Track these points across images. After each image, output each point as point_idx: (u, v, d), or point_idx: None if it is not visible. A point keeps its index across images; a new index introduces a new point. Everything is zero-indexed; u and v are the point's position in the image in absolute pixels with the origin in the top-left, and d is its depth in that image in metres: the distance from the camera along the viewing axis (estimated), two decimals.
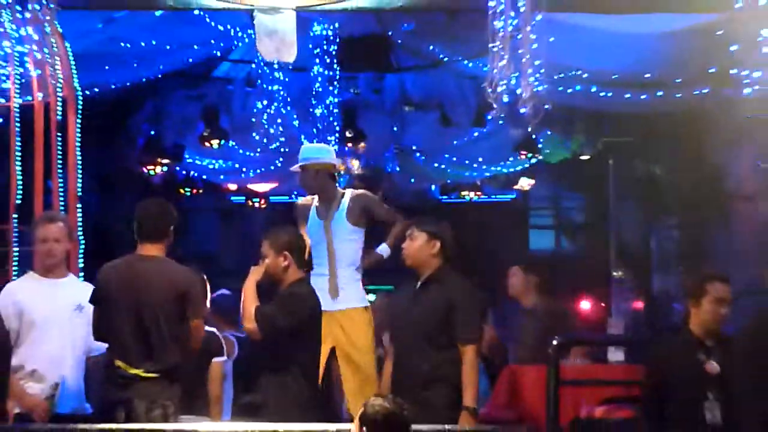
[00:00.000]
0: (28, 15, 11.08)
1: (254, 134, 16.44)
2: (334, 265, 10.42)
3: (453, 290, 10.18)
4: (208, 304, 10.94)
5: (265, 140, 16.33)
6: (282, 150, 16.87)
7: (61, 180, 12.59)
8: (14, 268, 11.84)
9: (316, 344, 10.18)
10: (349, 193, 10.49)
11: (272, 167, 18.28)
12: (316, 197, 10.56)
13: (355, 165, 10.76)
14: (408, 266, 10.34)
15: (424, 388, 10.09)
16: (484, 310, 12.03)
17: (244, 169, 19.14)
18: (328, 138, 16.18)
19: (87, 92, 13.29)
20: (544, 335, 11.02)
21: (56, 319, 9.83)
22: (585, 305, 17.68)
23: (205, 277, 10.92)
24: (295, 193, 15.78)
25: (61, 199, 12.43)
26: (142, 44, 14.40)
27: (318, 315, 10.16)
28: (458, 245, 10.62)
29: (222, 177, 20.11)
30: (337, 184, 10.62)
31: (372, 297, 11.63)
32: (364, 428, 7.52)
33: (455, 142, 18.35)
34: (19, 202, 12.44)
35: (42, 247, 10.07)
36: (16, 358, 9.48)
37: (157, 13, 12.76)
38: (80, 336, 9.93)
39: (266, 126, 15.99)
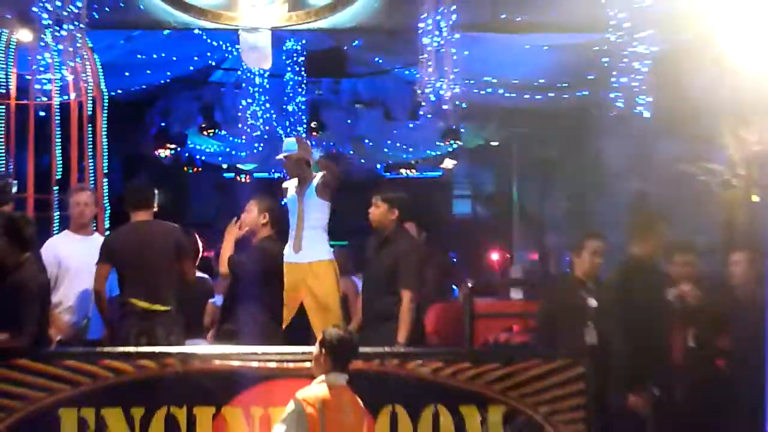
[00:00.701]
0: (64, 33, 10.98)
1: (241, 125, 16.36)
2: (300, 227, 10.16)
3: (401, 248, 10.26)
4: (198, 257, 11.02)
5: (249, 130, 16.26)
6: (263, 137, 16.92)
7: (91, 161, 12.77)
8: (55, 228, 11.96)
9: (278, 287, 10.16)
10: (318, 175, 10.25)
11: (255, 151, 18.17)
12: (296, 179, 10.40)
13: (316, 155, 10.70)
14: (373, 227, 10.49)
15: (380, 323, 10.20)
16: (425, 263, 11.36)
17: (233, 153, 18.92)
18: (298, 129, 16.20)
19: (112, 93, 13.26)
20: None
21: (86, 267, 9.83)
22: (494, 256, 17.83)
23: (200, 236, 11.11)
24: (273, 170, 15.72)
25: (92, 176, 12.46)
26: (154, 56, 14.19)
27: (279, 265, 10.19)
28: (413, 210, 10.86)
29: (218, 159, 20.04)
30: (311, 169, 10.34)
31: None
32: (323, 350, 7.59)
33: (395, 132, 18.24)
34: (59, 177, 12.70)
35: (75, 210, 10.25)
36: (56, 297, 9.70)
37: (165, 32, 12.65)
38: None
39: (250, 119, 15.96)
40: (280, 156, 10.27)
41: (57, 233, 11.26)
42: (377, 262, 10.46)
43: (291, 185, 10.29)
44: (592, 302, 9.93)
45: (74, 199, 10.40)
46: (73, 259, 9.95)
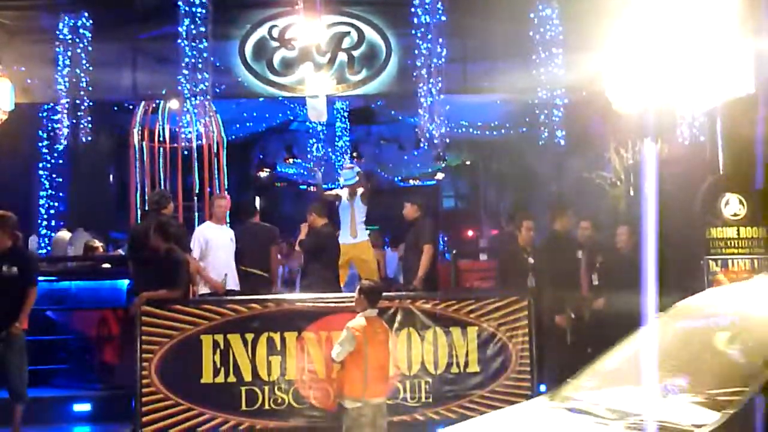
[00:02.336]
0: (198, 101, 11.01)
1: (309, 156, 16.41)
2: (354, 221, 10.43)
3: (420, 225, 10.27)
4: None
5: (314, 159, 16.37)
6: (322, 164, 16.59)
7: (217, 181, 12.88)
8: (195, 222, 11.96)
9: (333, 256, 10.17)
10: (360, 190, 10.63)
11: (319, 171, 18.24)
12: (346, 191, 10.68)
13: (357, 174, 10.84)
14: (405, 217, 10.44)
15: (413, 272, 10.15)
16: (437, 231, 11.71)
17: (305, 173, 19.02)
18: (345, 157, 16.15)
19: (229, 138, 13.39)
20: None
21: (222, 245, 9.77)
22: (469, 233, 17.77)
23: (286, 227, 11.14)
24: (330, 184, 15.75)
25: (218, 190, 12.72)
26: (254, 114, 14.42)
27: (332, 239, 10.21)
28: (425, 208, 10.70)
29: (295, 177, 20.00)
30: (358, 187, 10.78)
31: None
32: (361, 294, 7.53)
33: (405, 158, 18.32)
34: (197, 192, 12.75)
35: (217, 209, 10.04)
36: (203, 263, 9.59)
37: (260, 99, 12.47)
38: (231, 253, 9.84)
39: (315, 152, 16.02)
40: (345, 183, 10.43)
41: (198, 225, 11.10)
42: (412, 235, 10.37)
43: (343, 194, 10.43)
44: (531, 260, 9.77)
45: (217, 202, 10.20)
46: (214, 240, 9.77)
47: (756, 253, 9.17)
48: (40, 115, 11.72)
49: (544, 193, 14.14)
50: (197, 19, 10.54)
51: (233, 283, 9.72)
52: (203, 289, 9.60)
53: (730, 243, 9.16)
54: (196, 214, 12.35)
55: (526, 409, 5.31)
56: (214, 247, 9.72)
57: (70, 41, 10.70)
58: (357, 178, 10.63)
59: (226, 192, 12.70)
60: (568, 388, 5.16)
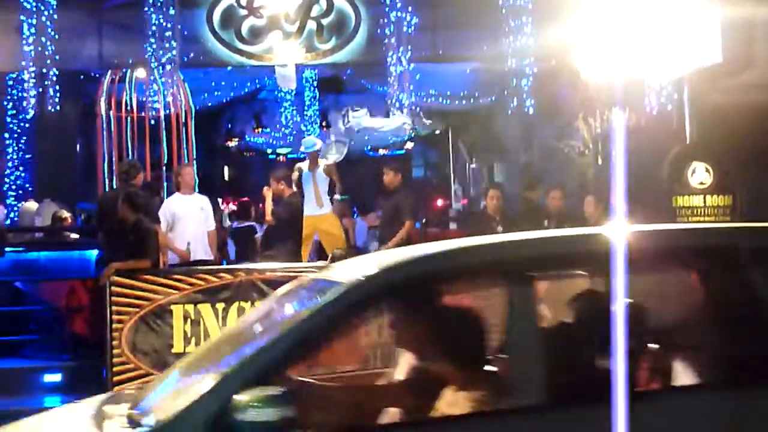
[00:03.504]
0: (168, 68, 10.91)
1: (278, 125, 16.31)
2: (318, 192, 10.12)
3: (402, 197, 10.13)
4: None
5: (283, 128, 16.24)
6: (292, 133, 16.61)
7: (185, 150, 12.76)
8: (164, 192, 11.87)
9: (299, 228, 10.05)
10: (323, 161, 10.32)
11: (287, 141, 18.06)
12: (307, 162, 10.29)
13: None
14: (384, 186, 10.27)
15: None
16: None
17: (274, 142, 18.87)
18: (314, 126, 16.05)
19: (197, 107, 13.29)
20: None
21: (190, 215, 9.71)
22: (439, 202, 17.74)
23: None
24: (300, 153, 15.66)
25: (186, 160, 12.61)
26: (222, 83, 14.30)
27: (300, 210, 10.07)
28: (405, 176, 10.69)
29: (265, 147, 19.85)
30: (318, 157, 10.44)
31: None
32: (332, 263, 7.24)
33: (375, 126, 18.31)
34: (165, 162, 12.64)
35: (185, 178, 9.93)
36: (171, 234, 9.54)
37: (228, 68, 12.45)
38: (202, 221, 9.80)
39: (283, 121, 15.91)
40: (305, 150, 10.17)
41: (167, 196, 10.99)
42: (391, 205, 10.24)
43: (304, 166, 10.17)
44: (500, 228, 9.77)
45: (184, 171, 10.10)
46: (181, 210, 9.70)
47: (722, 221, 9.25)
48: (6, 84, 11.52)
49: (512, 162, 14.17)
50: None
51: (203, 252, 9.65)
52: (172, 260, 9.54)
53: (697, 211, 9.24)
54: (165, 184, 12.22)
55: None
56: (181, 217, 9.65)
57: (34, 10, 10.54)
58: (317, 147, 10.41)
59: (194, 162, 12.57)
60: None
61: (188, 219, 9.67)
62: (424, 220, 11.45)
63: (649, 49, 9.08)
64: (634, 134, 8.86)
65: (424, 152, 21.38)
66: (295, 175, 10.16)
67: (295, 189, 10.07)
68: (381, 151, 19.63)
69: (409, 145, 19.66)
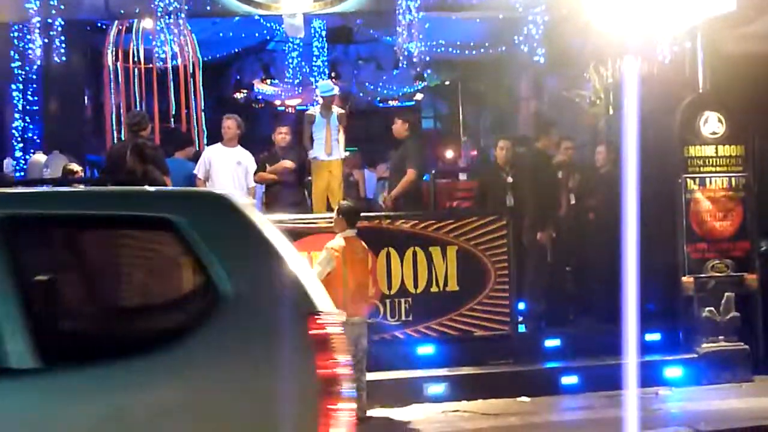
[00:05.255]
0: (173, 20, 10.82)
1: (287, 76, 16.18)
2: (329, 139, 9.87)
3: (409, 146, 9.99)
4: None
5: (291, 79, 16.08)
6: (301, 84, 16.34)
7: (193, 102, 12.71)
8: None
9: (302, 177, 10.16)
10: (336, 108, 10.07)
11: (296, 92, 17.92)
12: (319, 108, 10.13)
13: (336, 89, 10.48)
14: (394, 136, 10.15)
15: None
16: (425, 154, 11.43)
17: (282, 93, 18.70)
18: (323, 77, 15.78)
19: (205, 59, 13.19)
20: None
21: (228, 167, 9.73)
22: (449, 153, 17.58)
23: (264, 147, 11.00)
24: (308, 104, 15.51)
25: (194, 111, 12.60)
26: (230, 34, 14.07)
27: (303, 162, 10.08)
28: (414, 126, 10.52)
29: (274, 98, 19.66)
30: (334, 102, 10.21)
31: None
32: (340, 215, 7.65)
33: (384, 77, 18.15)
34: (173, 113, 12.61)
35: (226, 130, 9.95)
36: (208, 184, 9.52)
37: (236, 18, 12.32)
38: (239, 175, 9.79)
39: (292, 72, 15.76)
40: (322, 93, 10.00)
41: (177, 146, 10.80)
42: (398, 155, 10.16)
43: (316, 112, 10.02)
44: (509, 179, 9.74)
45: (225, 124, 10.03)
46: (218, 161, 9.72)
47: (734, 171, 9.20)
48: (11, 34, 11.42)
49: (523, 112, 14.07)
50: None
51: None
52: None
53: (708, 161, 9.18)
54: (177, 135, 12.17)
55: None
56: (217, 168, 9.65)
57: None
58: (334, 91, 10.26)
59: (202, 113, 12.58)
60: None
61: (223, 171, 9.67)
62: (433, 172, 11.39)
63: None
64: (645, 84, 8.73)
65: (433, 103, 21.23)
66: (307, 119, 10.04)
67: (290, 165, 9.95)
68: (391, 103, 19.50)
69: (419, 96, 19.54)
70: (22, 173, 12.59)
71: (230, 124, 9.97)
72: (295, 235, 8.42)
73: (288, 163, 9.98)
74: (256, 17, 12.12)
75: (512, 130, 13.22)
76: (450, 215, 9.23)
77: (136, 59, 12.66)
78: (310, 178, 10.23)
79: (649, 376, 8.40)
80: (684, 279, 9.07)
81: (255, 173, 10.01)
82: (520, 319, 9.19)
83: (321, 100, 9.99)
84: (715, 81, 9.38)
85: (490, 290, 8.79)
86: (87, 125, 13.49)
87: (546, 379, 8.58)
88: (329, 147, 9.91)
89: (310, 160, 10.01)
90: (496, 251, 8.82)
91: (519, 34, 11.31)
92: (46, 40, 10.58)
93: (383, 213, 9.35)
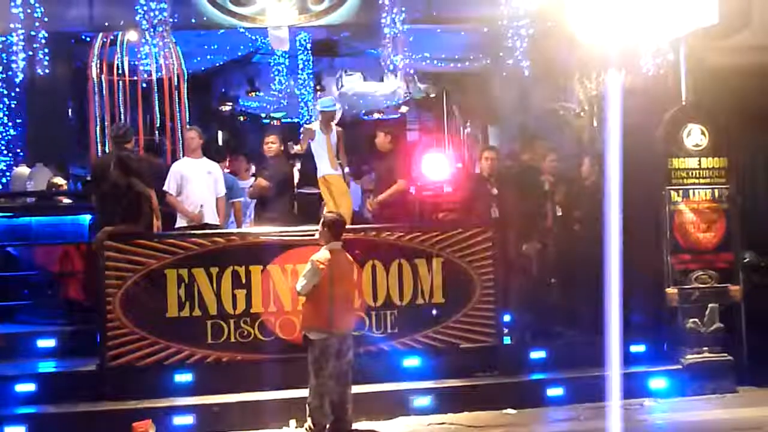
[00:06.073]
0: (157, 32, 10.78)
1: (272, 89, 16.14)
2: (332, 153, 9.73)
3: (393, 159, 10.03)
4: None
5: (276, 92, 16.05)
6: (285, 96, 16.38)
7: (178, 114, 12.69)
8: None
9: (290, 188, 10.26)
10: (335, 127, 9.83)
11: (281, 104, 17.87)
12: (318, 123, 9.93)
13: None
14: (377, 147, 10.18)
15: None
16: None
17: (267, 106, 18.64)
18: (308, 89, 15.85)
19: (189, 71, 13.20)
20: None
21: (197, 177, 9.54)
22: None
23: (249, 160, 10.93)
24: (292, 117, 15.46)
25: (179, 124, 12.57)
26: (215, 46, 14.10)
27: (288, 173, 10.22)
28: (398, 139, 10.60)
29: (258, 111, 19.64)
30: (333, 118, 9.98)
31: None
32: (324, 227, 7.63)
33: (368, 90, 18.19)
34: (158, 126, 12.57)
35: (187, 142, 9.93)
36: (181, 197, 9.38)
37: (220, 31, 12.29)
38: (211, 185, 9.61)
39: (277, 85, 15.73)
40: (323, 109, 9.94)
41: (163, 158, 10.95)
42: (382, 168, 10.17)
43: (315, 127, 9.93)
44: (494, 191, 9.76)
45: (188, 135, 10.03)
46: (189, 173, 9.56)
47: (717, 183, 9.25)
48: None
49: (508, 123, 14.10)
50: None
51: (211, 216, 9.56)
52: (181, 222, 9.47)
53: (692, 173, 9.23)
54: (161, 148, 12.19)
55: None
56: (189, 180, 9.56)
57: None
58: (336, 107, 10.24)
59: (187, 126, 12.50)
60: None
61: (196, 182, 9.58)
62: (418, 183, 11.39)
63: (646, 9, 9.01)
64: (629, 95, 8.79)
65: (419, 116, 21.24)
66: (308, 135, 9.96)
67: (299, 149, 9.84)
68: (376, 115, 19.49)
69: (404, 108, 19.54)
70: (6, 185, 12.56)
71: (193, 135, 9.91)
72: (282, 247, 8.51)
73: (263, 182, 10.06)
74: (241, 30, 12.12)
75: (497, 142, 13.25)
76: (435, 227, 9.21)
77: (120, 72, 12.69)
78: (304, 190, 10.23)
79: (634, 388, 8.49)
80: (668, 290, 9.11)
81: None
82: (506, 331, 9.19)
83: (321, 116, 9.93)
84: (698, 93, 9.45)
85: (476, 302, 8.81)
86: (71, 138, 13.48)
87: (532, 391, 8.59)
88: (334, 162, 9.83)
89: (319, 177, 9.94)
90: (482, 263, 8.84)
91: (504, 47, 11.33)
92: (29, 53, 10.54)
93: (368, 225, 9.37)
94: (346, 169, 10.02)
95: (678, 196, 9.18)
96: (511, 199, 9.61)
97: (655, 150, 9.35)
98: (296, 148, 9.79)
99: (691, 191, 9.19)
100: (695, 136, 9.29)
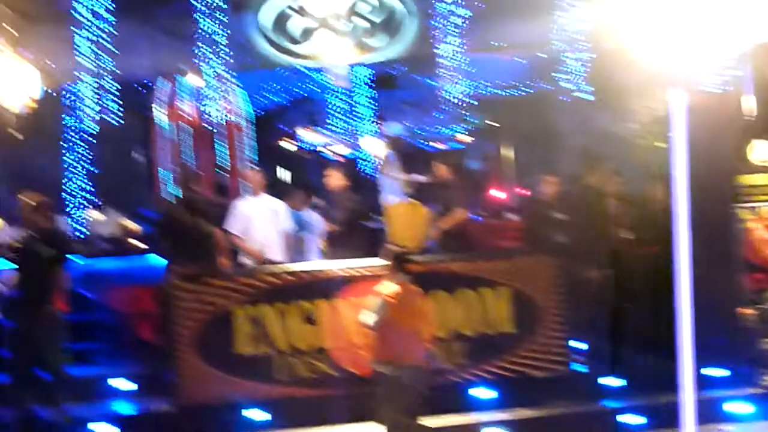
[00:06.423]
0: (219, 75, 10.97)
1: (332, 125, 16.27)
2: (400, 183, 9.95)
3: (453, 188, 10.14)
4: None
5: (337, 127, 16.16)
6: (347, 132, 16.36)
7: (243, 155, 12.88)
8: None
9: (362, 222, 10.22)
10: (399, 156, 10.29)
11: (344, 139, 17.88)
12: (386, 150, 10.10)
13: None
14: (435, 180, 10.23)
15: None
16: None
17: (329, 142, 18.68)
18: (369, 123, 15.91)
19: (254, 111, 13.45)
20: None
21: (260, 216, 9.67)
22: (495, 192, 17.39)
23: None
24: (353, 152, 15.53)
25: (245, 164, 12.76)
26: (275, 85, 14.35)
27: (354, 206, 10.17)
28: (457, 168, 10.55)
29: (321, 146, 19.76)
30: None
31: None
32: (392, 261, 7.61)
33: (428, 120, 18.14)
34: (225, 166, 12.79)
35: (250, 181, 10.07)
36: (246, 235, 9.54)
37: (281, 71, 12.54)
38: (273, 224, 9.73)
39: (338, 121, 15.83)
40: (390, 133, 9.92)
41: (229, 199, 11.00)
42: (442, 198, 10.14)
43: (384, 155, 9.88)
44: (559, 215, 9.65)
45: (249, 174, 10.26)
46: (253, 212, 9.70)
47: None
48: (63, 97, 11.75)
49: (570, 148, 14.02)
50: None
51: (277, 253, 9.65)
52: (245, 260, 9.59)
53: (761, 190, 9.05)
54: (225, 188, 12.34)
55: None
56: (253, 219, 9.67)
57: (88, 23, 10.70)
58: (401, 133, 10.24)
59: (252, 165, 12.71)
60: None
61: (259, 220, 9.68)
62: (482, 212, 11.37)
63: (709, 25, 8.89)
64: (693, 114, 8.65)
65: (479, 144, 21.19)
66: (380, 159, 9.98)
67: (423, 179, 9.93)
68: (437, 146, 19.48)
69: (463, 137, 19.53)
70: (80, 231, 12.89)
71: (255, 175, 10.07)
72: (349, 281, 8.53)
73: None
74: (301, 68, 12.28)
75: (560, 167, 13.13)
76: (500, 255, 9.17)
77: (185, 115, 12.89)
78: (370, 222, 10.31)
79: (712, 412, 8.23)
80: (743, 311, 8.88)
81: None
82: (578, 358, 9.05)
83: (388, 142, 9.95)
84: (764, 109, 9.27)
85: (545, 330, 8.70)
86: (140, 182, 13.75)
87: (606, 419, 8.43)
88: (401, 191, 9.88)
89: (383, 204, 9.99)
90: (549, 290, 8.74)
91: (562, 71, 11.30)
92: (97, 102, 10.83)
93: (434, 256, 9.34)
94: (409, 199, 10.05)
95: (747, 213, 8.99)
96: (577, 223, 9.52)
97: (723, 167, 9.16)
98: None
99: (760, 208, 8.99)
100: (762, 151, 9.11)
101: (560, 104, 13.20)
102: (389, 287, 7.56)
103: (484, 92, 14.00)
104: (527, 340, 8.67)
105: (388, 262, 7.70)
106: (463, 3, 10.73)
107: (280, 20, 11.16)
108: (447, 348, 8.59)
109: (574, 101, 12.12)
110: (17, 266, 8.37)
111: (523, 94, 14.58)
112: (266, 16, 11.15)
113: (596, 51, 10.93)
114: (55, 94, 11.51)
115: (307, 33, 11.07)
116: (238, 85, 12.60)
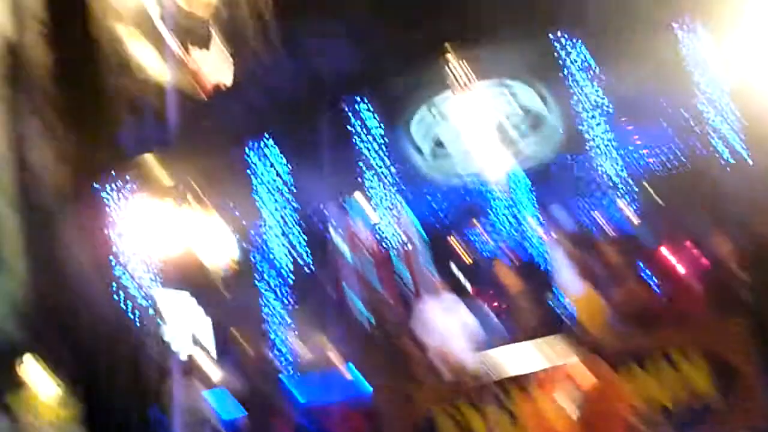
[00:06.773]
0: (386, 195, 11.21)
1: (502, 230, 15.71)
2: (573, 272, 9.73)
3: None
4: None
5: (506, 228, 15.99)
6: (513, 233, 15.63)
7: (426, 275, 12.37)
8: None
9: None
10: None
11: (515, 241, 17.36)
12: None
13: None
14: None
15: None
16: None
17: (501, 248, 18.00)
18: (534, 222, 15.62)
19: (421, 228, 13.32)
20: None
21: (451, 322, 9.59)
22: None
23: None
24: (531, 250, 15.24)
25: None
26: (439, 196, 13.97)
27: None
28: None
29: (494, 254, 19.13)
30: None
31: None
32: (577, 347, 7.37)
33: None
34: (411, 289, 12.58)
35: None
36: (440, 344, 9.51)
37: (439, 182, 12.43)
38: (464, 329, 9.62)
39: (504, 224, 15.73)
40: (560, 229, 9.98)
41: None
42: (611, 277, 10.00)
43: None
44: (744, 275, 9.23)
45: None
46: (445, 318, 9.66)
47: None
48: (252, 236, 12.15)
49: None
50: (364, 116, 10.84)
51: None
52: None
53: None
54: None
55: None
56: (444, 325, 9.67)
57: (265, 171, 11.35)
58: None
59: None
60: None
61: (449, 326, 9.66)
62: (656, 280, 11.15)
63: None
64: None
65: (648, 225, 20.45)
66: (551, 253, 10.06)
67: None
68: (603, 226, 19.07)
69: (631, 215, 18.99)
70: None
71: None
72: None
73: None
74: (458, 176, 12.50)
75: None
76: (690, 320, 9.01)
77: (361, 241, 12.98)
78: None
79: None
80: None
81: None
82: None
83: (557, 235, 10.05)
84: None
85: (746, 395, 8.47)
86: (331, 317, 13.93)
87: None
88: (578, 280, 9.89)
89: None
90: (746, 353, 8.54)
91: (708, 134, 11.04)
92: (282, 237, 11.30)
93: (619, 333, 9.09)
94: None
95: None
96: (762, 280, 9.23)
97: None
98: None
99: None
100: None
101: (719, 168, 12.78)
102: (582, 374, 7.42)
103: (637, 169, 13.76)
104: (728, 407, 8.47)
105: (577, 349, 7.56)
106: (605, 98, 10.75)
107: (426, 129, 11.40)
108: (647, 422, 8.47)
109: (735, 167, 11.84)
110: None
111: (675, 163, 14.15)
112: (416, 128, 11.48)
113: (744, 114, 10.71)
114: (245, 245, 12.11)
115: (455, 139, 11.26)
116: (403, 204, 12.72)
